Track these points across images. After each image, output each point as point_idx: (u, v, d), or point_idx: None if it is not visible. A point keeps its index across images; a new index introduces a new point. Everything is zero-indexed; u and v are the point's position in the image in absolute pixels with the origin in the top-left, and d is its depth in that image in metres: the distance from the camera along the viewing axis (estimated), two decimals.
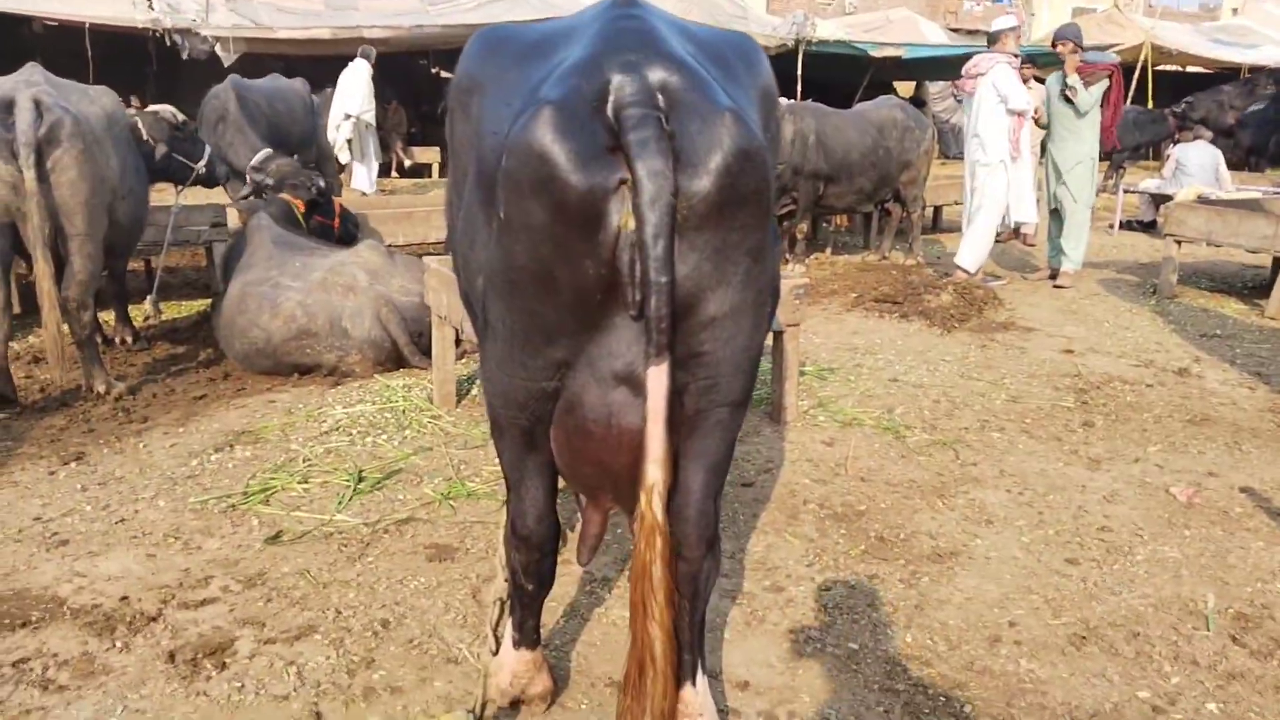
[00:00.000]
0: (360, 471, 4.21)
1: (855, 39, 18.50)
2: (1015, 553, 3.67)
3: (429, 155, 17.55)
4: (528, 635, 2.60)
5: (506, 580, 2.57)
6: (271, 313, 5.57)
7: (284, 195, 6.89)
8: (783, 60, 16.29)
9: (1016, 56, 8.24)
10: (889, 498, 4.11)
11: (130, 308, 6.55)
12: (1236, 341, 6.78)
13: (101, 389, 5.14)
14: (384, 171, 15.43)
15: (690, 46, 2.08)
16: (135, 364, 5.95)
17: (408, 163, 17.33)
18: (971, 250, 8.29)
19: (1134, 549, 3.71)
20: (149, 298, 6.66)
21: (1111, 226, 12.65)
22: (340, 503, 3.94)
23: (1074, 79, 8.17)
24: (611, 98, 1.88)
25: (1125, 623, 3.21)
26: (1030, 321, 7.34)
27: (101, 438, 4.60)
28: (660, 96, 1.90)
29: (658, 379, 1.92)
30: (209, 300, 7.47)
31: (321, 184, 7.01)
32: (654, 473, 1.96)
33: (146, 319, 6.79)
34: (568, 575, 3.38)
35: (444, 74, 22.34)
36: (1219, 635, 3.14)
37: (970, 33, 34.48)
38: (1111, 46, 21.72)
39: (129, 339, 6.33)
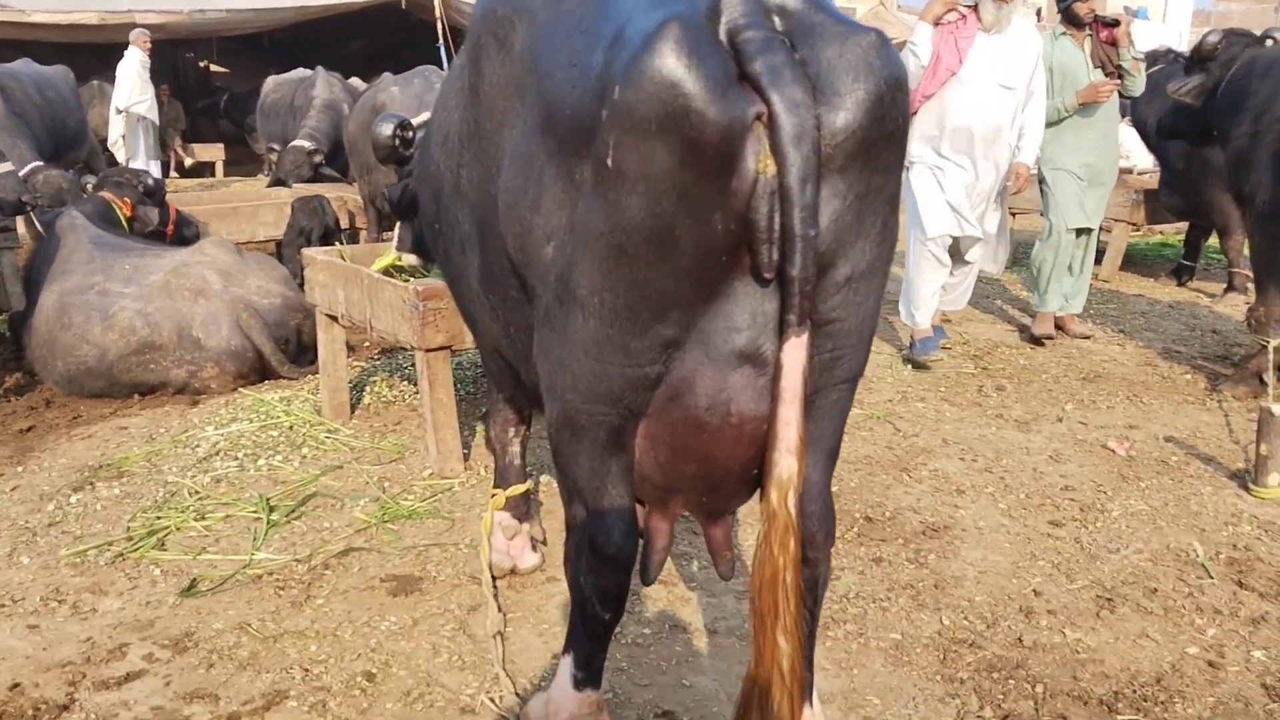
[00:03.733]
0: (267, 500, 3.57)
1: None
2: (1001, 520, 3.58)
3: (211, 153, 16.01)
4: (594, 673, 2.16)
5: (575, 608, 2.12)
6: (104, 325, 4.72)
7: (105, 194, 5.87)
8: None
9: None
10: (854, 476, 3.93)
11: None
12: (1086, 303, 7.15)
13: None
14: (163, 171, 13.94)
15: None
16: None
17: (188, 161, 15.74)
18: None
19: (1105, 505, 3.71)
20: None
21: None
22: (256, 539, 3.31)
23: (1131, 49, 5.62)
24: (724, 18, 1.57)
25: (1137, 579, 3.17)
26: (892, 292, 7.45)
27: None
28: (777, 19, 1.61)
29: (795, 354, 1.62)
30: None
31: (150, 182, 6.02)
32: (789, 464, 1.66)
33: None
34: (561, 594, 2.96)
35: (214, 68, 20.66)
36: (1225, 582, 3.16)
37: None
38: None
39: None
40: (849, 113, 1.58)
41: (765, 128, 1.53)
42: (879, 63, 1.60)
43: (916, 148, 5.30)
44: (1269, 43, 5.49)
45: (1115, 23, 5.34)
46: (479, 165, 2.05)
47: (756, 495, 1.86)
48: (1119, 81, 5.70)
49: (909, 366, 5.50)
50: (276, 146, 8.92)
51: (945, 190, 5.31)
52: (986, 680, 2.63)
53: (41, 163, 7.38)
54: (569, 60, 1.70)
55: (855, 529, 3.48)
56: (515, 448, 3.08)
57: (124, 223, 5.83)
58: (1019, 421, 4.63)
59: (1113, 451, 4.23)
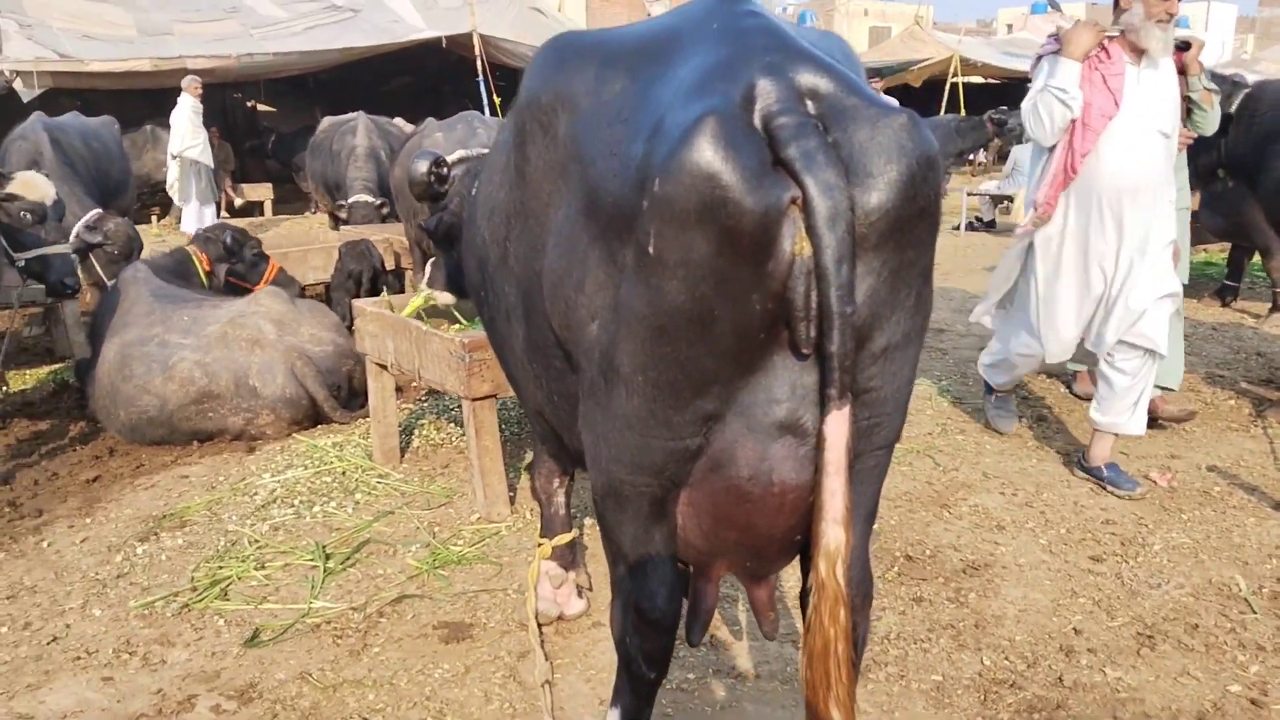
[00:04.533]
0: (323, 548, 3.71)
1: None
2: (1042, 557, 3.61)
3: (260, 192, 16.45)
4: None
5: (621, 666, 2.20)
6: (164, 376, 4.91)
7: (190, 247, 6.08)
8: None
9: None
10: (894, 514, 3.98)
11: None
12: None
13: None
14: (216, 212, 14.34)
15: (816, 47, 1.84)
16: None
17: (238, 201, 16.18)
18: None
19: (1146, 539, 3.72)
20: None
21: (956, 228, 13.25)
22: (314, 587, 3.44)
23: (1203, 77, 4.62)
24: (758, 105, 1.63)
25: (1178, 615, 3.18)
26: (935, 321, 7.47)
27: None
28: (810, 103, 1.66)
29: (838, 427, 1.66)
30: (57, 366, 6.62)
31: (229, 239, 6.17)
32: (836, 534, 1.69)
33: None
34: (607, 639, 3.04)
35: (262, 107, 21.23)
36: (1268, 617, 3.16)
37: None
38: (922, 61, 23.09)
39: None
40: (882, 193, 1.63)
41: (800, 211, 1.59)
42: (910, 143, 1.65)
43: (1044, 231, 4.26)
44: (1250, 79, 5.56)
45: (1186, 45, 4.28)
46: (525, 242, 2.14)
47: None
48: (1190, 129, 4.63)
49: (949, 398, 5.53)
50: (345, 201, 9.10)
51: (1078, 288, 4.22)
52: None
53: (101, 210, 7.69)
54: (610, 150, 1.78)
55: (896, 568, 3.53)
56: (560, 497, 3.18)
57: (202, 277, 6.04)
58: (1060, 453, 4.64)
59: (1154, 482, 4.23)
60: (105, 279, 7.39)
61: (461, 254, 3.01)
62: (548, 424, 2.50)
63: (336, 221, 11.41)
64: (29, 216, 5.19)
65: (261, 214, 16.43)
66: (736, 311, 1.64)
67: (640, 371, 1.75)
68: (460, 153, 3.77)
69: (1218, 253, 9.13)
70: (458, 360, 3.70)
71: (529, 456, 4.53)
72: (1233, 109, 5.28)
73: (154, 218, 14.65)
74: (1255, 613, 3.18)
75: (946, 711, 2.72)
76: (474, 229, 2.61)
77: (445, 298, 4.13)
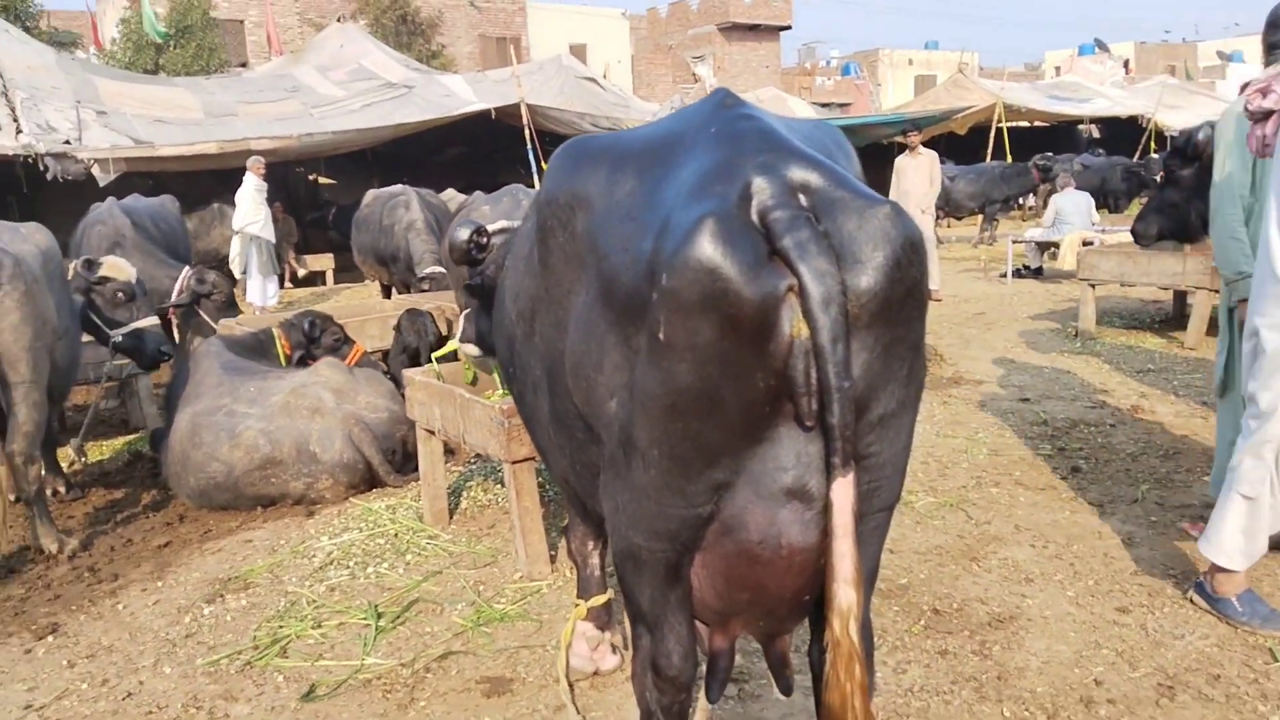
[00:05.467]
0: (376, 607, 3.93)
1: None
2: (1068, 609, 3.68)
3: (322, 263, 17.14)
4: None
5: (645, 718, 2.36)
6: (231, 443, 5.23)
7: (277, 329, 6.47)
8: None
9: None
10: (924, 567, 4.08)
11: None
12: (1170, 374, 7.13)
13: (54, 548, 4.69)
14: (279, 283, 14.96)
15: (808, 141, 2.04)
16: (74, 515, 5.46)
17: (301, 272, 16.87)
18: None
19: (1174, 591, 3.77)
20: (73, 441, 6.16)
21: (1004, 275, 13.29)
22: (366, 645, 3.65)
23: None
24: (754, 201, 1.80)
25: (1201, 666, 3.23)
26: (975, 374, 7.56)
27: (72, 603, 4.16)
28: (802, 196, 1.82)
29: (844, 491, 1.80)
30: (131, 437, 7.01)
31: (307, 326, 6.49)
32: (848, 595, 1.82)
33: (70, 464, 6.28)
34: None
35: (322, 180, 22.11)
36: None
37: (825, 105, 36.39)
38: (965, 109, 23.21)
39: (61, 489, 5.82)
40: (870, 277, 1.77)
41: (797, 296, 1.73)
42: (895, 230, 1.80)
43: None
44: None
45: None
46: (549, 324, 2.34)
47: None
48: None
49: (985, 451, 5.61)
50: (420, 274, 9.46)
51: None
52: None
53: (198, 266, 8.31)
54: (622, 245, 1.97)
55: (923, 621, 3.63)
56: (595, 559, 3.36)
57: (281, 359, 6.39)
58: (1094, 504, 4.70)
59: (1187, 533, 4.27)
60: (214, 325, 7.98)
61: (492, 329, 3.24)
62: (572, 490, 2.69)
63: (387, 291, 11.86)
64: (121, 296, 5.64)
65: (324, 283, 17.10)
66: (742, 389, 1.79)
67: (655, 445, 1.90)
68: (503, 223, 4.06)
69: None
70: (497, 425, 3.93)
71: (567, 518, 4.72)
72: None
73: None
74: (1278, 662, 3.22)
75: None
76: (502, 310, 2.84)
77: (471, 350, 4.42)
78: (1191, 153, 5.89)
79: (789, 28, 42.72)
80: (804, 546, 1.90)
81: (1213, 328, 8.16)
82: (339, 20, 22.03)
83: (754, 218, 1.79)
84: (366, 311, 8.82)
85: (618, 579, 2.22)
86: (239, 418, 5.34)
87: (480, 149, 20.71)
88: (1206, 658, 3.28)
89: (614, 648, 3.39)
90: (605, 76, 23.96)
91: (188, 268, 7.92)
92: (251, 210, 12.88)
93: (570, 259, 2.19)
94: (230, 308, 8.42)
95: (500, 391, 4.55)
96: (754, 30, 41.42)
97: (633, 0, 62.03)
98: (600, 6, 36.98)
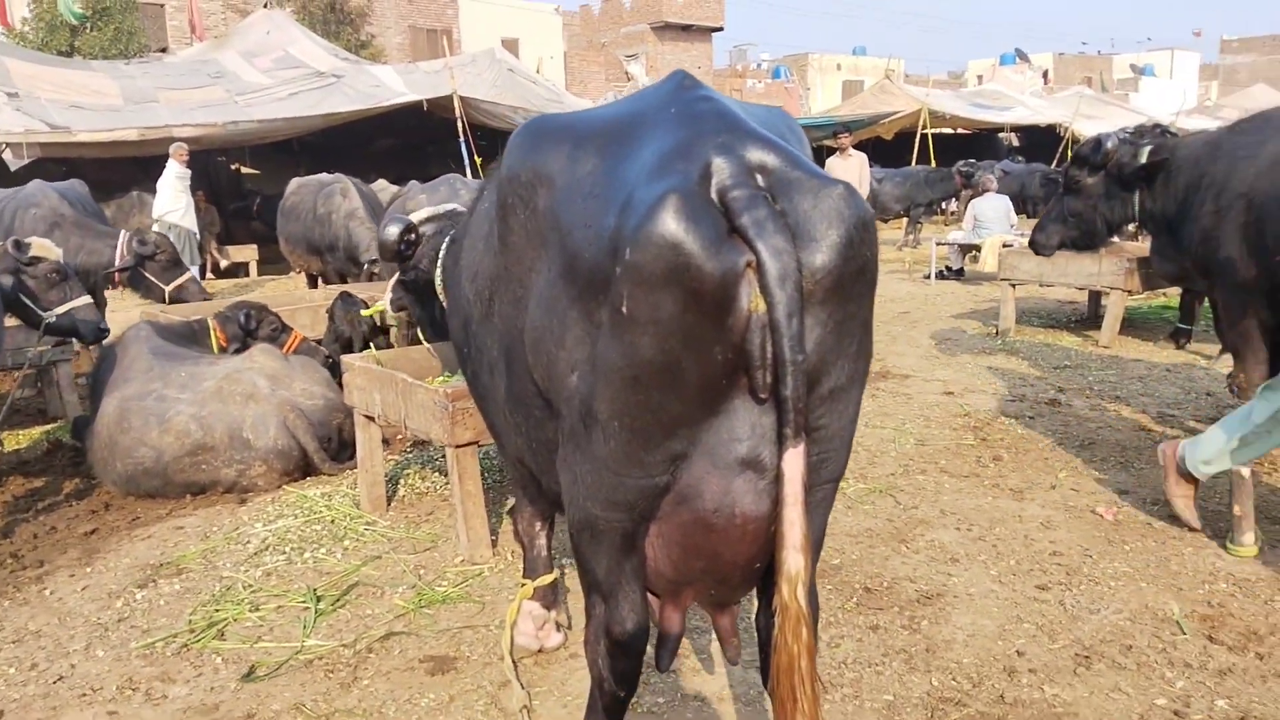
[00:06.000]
0: (314, 591, 3.91)
1: None
2: (991, 586, 3.85)
3: (245, 254, 16.74)
4: None
5: (594, 687, 2.41)
6: (161, 428, 5.13)
7: (213, 320, 6.32)
8: None
9: None
10: (856, 549, 4.22)
11: None
12: (1085, 370, 7.45)
13: None
14: (200, 274, 14.59)
15: (763, 125, 2.12)
16: None
17: (224, 263, 16.45)
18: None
19: (1090, 569, 3.97)
20: None
21: (928, 276, 13.66)
22: (306, 627, 3.64)
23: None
24: (714, 180, 1.86)
25: (1115, 638, 3.42)
26: (901, 369, 7.79)
27: None
28: (759, 176, 1.89)
29: (795, 462, 1.87)
30: (50, 426, 6.81)
31: (242, 318, 6.34)
32: (797, 560, 1.89)
33: None
34: (582, 668, 3.26)
35: (245, 169, 21.61)
36: (1196, 637, 3.40)
37: None
38: (892, 115, 23.76)
39: None
40: (825, 254, 1.84)
41: (755, 272, 1.80)
42: (848, 210, 1.87)
43: None
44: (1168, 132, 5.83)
45: None
46: (508, 302, 2.37)
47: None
48: None
49: (912, 440, 5.79)
50: (366, 261, 9.31)
51: None
52: None
53: (134, 231, 8.18)
54: (585, 221, 2.01)
55: (855, 599, 3.76)
56: (541, 540, 3.40)
57: (215, 350, 6.25)
58: (1014, 490, 4.91)
59: (1101, 516, 4.49)
60: (163, 285, 7.83)
61: (445, 311, 3.27)
62: (526, 469, 2.73)
63: (314, 281, 11.69)
64: (55, 276, 5.50)
65: (247, 275, 16.71)
66: (701, 362, 1.85)
67: (616, 417, 1.95)
68: (427, 211, 4.07)
69: (1176, 296, 9.51)
70: (441, 409, 3.95)
71: (509, 502, 4.75)
72: (1143, 160, 5.59)
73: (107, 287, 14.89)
74: (1185, 634, 3.42)
75: None
76: (458, 290, 2.87)
77: (397, 314, 4.46)
78: (1099, 161, 6.04)
79: (721, 29, 43.15)
80: (756, 515, 1.97)
81: (1129, 326, 8.57)
82: (265, 6, 21.56)
83: (713, 196, 1.84)
84: (296, 301, 8.69)
85: (573, 550, 2.27)
86: (170, 402, 5.23)
87: (411, 141, 20.51)
88: (1120, 630, 3.47)
89: (558, 626, 3.45)
90: (539, 72, 23.90)
91: (124, 231, 7.77)
92: (172, 198, 12.55)
93: (532, 236, 2.23)
94: (176, 266, 8.29)
95: (441, 377, 4.57)
96: (687, 31, 41.71)
97: None
98: (533, 1, 36.73)
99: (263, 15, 19.52)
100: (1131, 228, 6.37)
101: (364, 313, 4.56)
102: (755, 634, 2.33)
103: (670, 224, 1.78)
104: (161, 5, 26.45)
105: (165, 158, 12.51)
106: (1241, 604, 3.62)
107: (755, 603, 2.30)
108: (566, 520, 2.24)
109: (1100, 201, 6.12)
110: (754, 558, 2.06)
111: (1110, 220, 6.16)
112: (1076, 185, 6.26)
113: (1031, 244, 6.83)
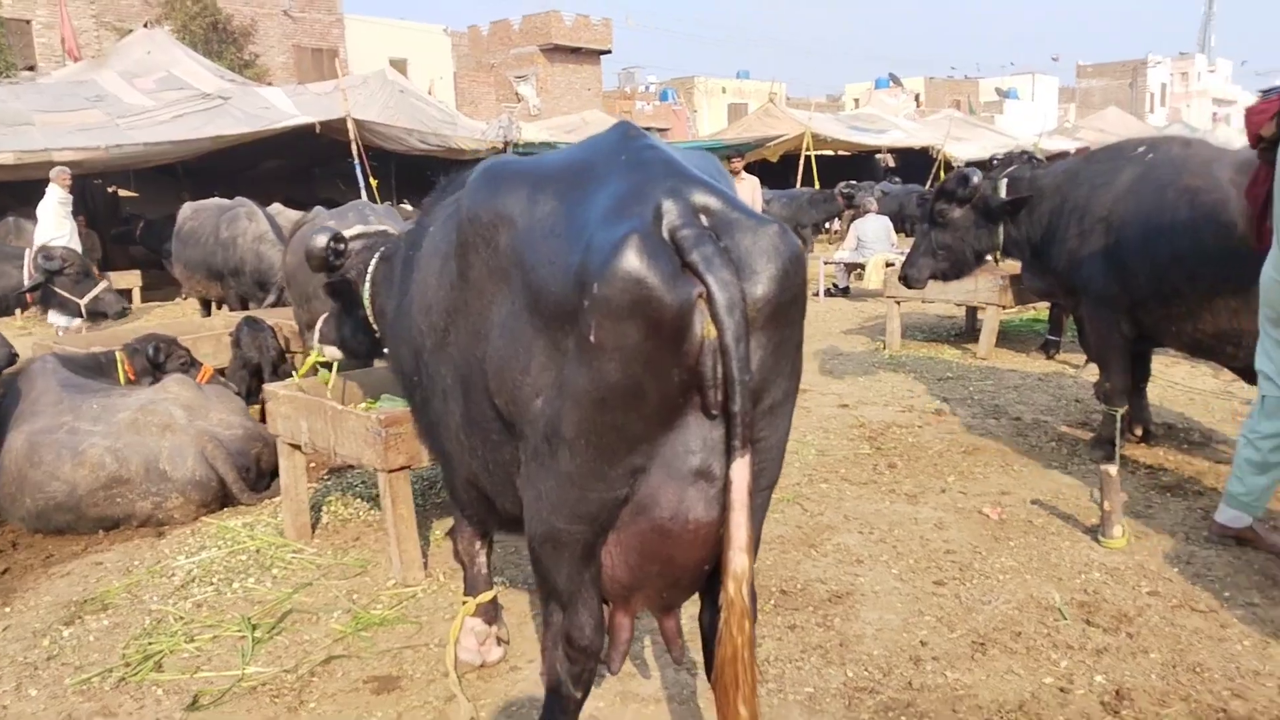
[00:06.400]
0: (249, 619, 3.96)
1: (559, 140, 19.50)
2: (894, 584, 4.18)
3: (128, 280, 16.13)
4: None
5: (550, 692, 2.59)
6: (74, 462, 5.06)
7: (121, 353, 6.18)
8: None
9: None
10: (769, 554, 4.50)
11: None
12: (966, 381, 7.98)
13: None
14: None
15: (699, 169, 2.37)
16: None
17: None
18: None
19: (980, 564, 4.35)
20: None
21: (816, 294, 14.23)
22: (245, 655, 3.70)
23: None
24: (665, 221, 2.09)
25: (1006, 626, 3.78)
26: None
27: None
28: (703, 217, 2.13)
29: (741, 470, 2.10)
30: None
31: (151, 351, 6.20)
32: (742, 560, 2.12)
33: None
34: (523, 680, 3.43)
35: (123, 193, 20.85)
36: (1075, 622, 3.80)
37: (645, 129, 37.36)
38: (776, 138, 24.55)
39: None
40: (765, 285, 2.10)
41: (706, 302, 2.03)
42: (783, 246, 2.14)
43: None
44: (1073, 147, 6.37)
45: None
46: (465, 333, 2.54)
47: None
48: None
49: (813, 451, 6.15)
50: (272, 285, 9.22)
51: None
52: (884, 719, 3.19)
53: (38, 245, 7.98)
54: (548, 259, 2.21)
55: (772, 601, 4.04)
56: (481, 558, 3.56)
57: (123, 382, 6.13)
58: (909, 495, 5.29)
59: (987, 516, 4.90)
60: (76, 299, 7.62)
61: (391, 343, 3.41)
62: (478, 491, 2.91)
63: (207, 307, 11.47)
64: None
65: (130, 302, 16.13)
66: (660, 383, 2.08)
67: (582, 436, 2.16)
68: (359, 228, 4.23)
69: (1043, 310, 10.23)
70: (374, 435, 4.07)
71: (436, 526, 4.88)
72: (1004, 196, 6.07)
73: (18, 310, 14.25)
74: (1066, 619, 3.81)
75: (818, 717, 3.21)
76: (407, 322, 3.02)
77: (333, 353, 4.56)
78: (966, 195, 6.41)
79: (609, 51, 43.71)
80: (707, 520, 2.21)
81: (1004, 339, 9.19)
82: (145, 25, 20.91)
83: (665, 235, 2.09)
84: (196, 329, 8.56)
85: (533, 562, 2.46)
86: (82, 435, 5.17)
87: (298, 163, 20.19)
88: (1010, 619, 3.84)
89: (499, 640, 3.61)
90: (430, 93, 23.82)
91: (27, 249, 7.56)
92: (55, 224, 12.12)
93: (493, 272, 2.42)
94: (87, 277, 8.10)
95: (365, 403, 4.67)
96: (576, 53, 42.11)
97: (453, 17, 61.49)
98: (420, 21, 36.49)
99: (142, 34, 18.95)
100: (990, 258, 6.80)
101: (303, 369, 4.66)
102: (699, 630, 2.56)
103: (634, 261, 2.01)
104: (28, 21, 25.32)
105: (43, 183, 12.08)
106: (1114, 591, 4.04)
107: (699, 602, 2.54)
108: (527, 534, 2.42)
109: (967, 233, 6.53)
110: (703, 560, 2.29)
111: (978, 250, 6.61)
112: (944, 218, 6.61)
113: (902, 279, 7.20)
